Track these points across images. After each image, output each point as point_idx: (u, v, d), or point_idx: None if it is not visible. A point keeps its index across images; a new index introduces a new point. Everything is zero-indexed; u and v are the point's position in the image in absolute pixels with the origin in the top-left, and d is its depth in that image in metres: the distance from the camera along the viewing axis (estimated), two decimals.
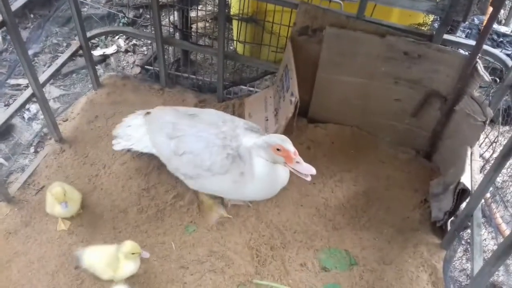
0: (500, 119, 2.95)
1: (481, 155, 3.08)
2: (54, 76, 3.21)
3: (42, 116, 3.35)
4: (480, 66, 2.68)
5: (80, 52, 3.39)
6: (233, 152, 2.42)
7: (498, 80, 2.95)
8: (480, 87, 3.30)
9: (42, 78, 2.98)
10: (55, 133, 3.13)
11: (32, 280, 2.44)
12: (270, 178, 2.42)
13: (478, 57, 2.69)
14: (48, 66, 3.75)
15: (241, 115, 3.41)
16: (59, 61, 3.21)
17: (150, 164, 3.05)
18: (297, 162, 2.19)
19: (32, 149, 3.26)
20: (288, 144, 2.19)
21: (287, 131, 3.15)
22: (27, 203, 2.80)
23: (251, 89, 3.71)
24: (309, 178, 2.17)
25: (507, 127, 3.48)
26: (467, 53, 2.83)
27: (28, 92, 2.90)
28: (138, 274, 2.50)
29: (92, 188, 2.90)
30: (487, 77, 2.66)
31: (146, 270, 2.53)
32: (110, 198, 2.85)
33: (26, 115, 3.56)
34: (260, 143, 2.31)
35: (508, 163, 2.61)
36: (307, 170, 2.17)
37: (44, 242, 2.61)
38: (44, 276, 2.46)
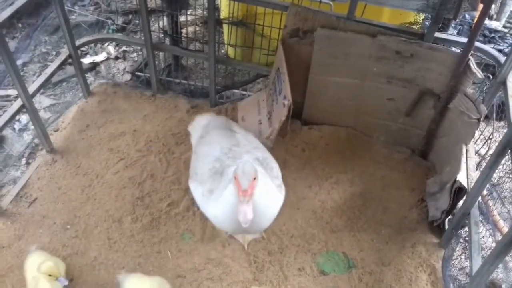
0: (495, 115, 2.94)
1: (476, 152, 3.07)
2: (43, 86, 3.16)
3: (33, 127, 3.31)
4: (473, 63, 2.68)
5: (70, 60, 3.36)
6: (219, 168, 2.32)
7: (491, 77, 2.94)
8: (474, 83, 3.30)
9: (31, 88, 2.94)
10: (47, 144, 3.09)
11: None
12: (233, 209, 2.09)
13: (470, 54, 2.68)
14: (38, 76, 3.71)
15: (234, 119, 3.39)
16: (48, 70, 3.17)
17: (144, 173, 3.02)
18: (241, 200, 1.96)
19: (23, 161, 3.22)
20: (244, 179, 1.97)
21: (281, 134, 3.15)
22: (20, 216, 2.76)
23: (243, 92, 3.69)
24: (243, 225, 1.94)
25: (501, 123, 3.47)
26: (459, 50, 2.82)
27: (17, 104, 2.86)
28: None
29: (86, 198, 2.86)
30: (480, 74, 2.65)
31: None
32: (104, 208, 2.81)
33: (17, 126, 3.51)
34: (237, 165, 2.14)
35: (503, 159, 2.60)
36: (243, 213, 1.93)
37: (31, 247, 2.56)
38: None
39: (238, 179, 1.99)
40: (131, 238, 2.69)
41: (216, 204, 2.23)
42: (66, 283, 2.30)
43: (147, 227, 2.74)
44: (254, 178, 2.00)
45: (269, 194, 2.22)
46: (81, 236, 2.68)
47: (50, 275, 2.24)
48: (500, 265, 2.68)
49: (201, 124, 2.85)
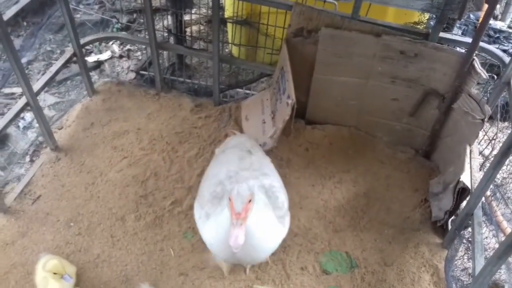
0: (499, 115, 2.93)
1: (480, 152, 3.06)
2: (48, 84, 3.18)
3: (37, 125, 3.32)
4: (477, 64, 2.67)
5: (74, 59, 3.37)
6: (220, 192, 2.21)
7: (495, 77, 2.93)
8: (478, 83, 3.29)
9: (36, 86, 2.96)
10: (51, 142, 3.10)
11: None
12: (226, 234, 1.97)
13: (475, 54, 2.67)
14: (42, 74, 3.72)
15: (238, 119, 3.40)
16: (53, 68, 3.18)
17: (147, 171, 3.02)
18: (233, 223, 1.86)
19: (27, 158, 3.23)
20: (238, 201, 1.88)
21: (285, 133, 3.14)
22: (23, 213, 2.77)
23: (247, 92, 3.69)
24: (234, 250, 1.84)
25: (506, 123, 3.46)
26: (463, 50, 2.81)
27: (22, 101, 2.87)
28: (135, 281, 2.47)
29: (89, 196, 2.87)
30: (484, 74, 2.64)
31: (145, 279, 2.50)
32: (107, 206, 2.82)
33: (21, 124, 3.52)
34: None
35: (507, 160, 2.59)
36: (234, 237, 1.82)
37: (41, 252, 2.57)
38: None
39: (232, 201, 1.89)
40: (134, 236, 2.69)
41: (210, 228, 2.15)
42: (71, 281, 2.31)
43: (150, 225, 2.75)
44: (250, 201, 1.90)
45: (267, 225, 2.09)
46: (84, 233, 2.69)
47: (55, 273, 2.25)
48: (503, 266, 2.67)
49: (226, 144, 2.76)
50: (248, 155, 2.48)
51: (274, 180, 2.37)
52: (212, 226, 2.13)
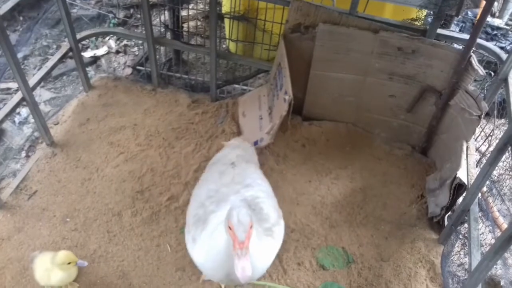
0: (496, 112, 2.94)
1: (477, 149, 3.07)
2: (44, 79, 3.16)
3: (33, 120, 3.30)
4: (475, 60, 2.67)
5: (70, 54, 3.35)
6: (202, 215, 2.10)
7: (492, 74, 2.93)
8: (475, 80, 3.29)
9: (32, 81, 2.94)
10: (47, 137, 3.09)
11: (26, 287, 2.39)
12: (221, 259, 1.91)
13: (472, 51, 2.67)
14: (38, 69, 3.70)
15: (235, 114, 3.39)
16: (49, 64, 3.17)
17: (144, 167, 3.02)
18: (238, 254, 1.71)
19: (23, 154, 3.21)
20: (240, 230, 1.72)
21: (282, 129, 3.14)
22: (19, 209, 2.76)
23: (244, 87, 3.68)
24: (242, 281, 1.71)
25: (502, 120, 3.47)
26: (461, 47, 2.81)
27: (18, 96, 2.86)
28: (132, 277, 2.46)
29: (85, 192, 2.86)
30: (481, 71, 2.64)
31: (142, 274, 2.49)
32: (104, 201, 2.81)
33: (17, 119, 3.50)
34: (228, 211, 1.87)
35: (504, 157, 2.60)
36: (241, 269, 1.68)
37: (37, 247, 2.57)
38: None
39: (234, 230, 1.73)
40: (130, 231, 2.69)
41: (199, 252, 2.04)
42: (85, 264, 2.30)
43: (147, 221, 2.74)
44: (251, 227, 1.75)
45: (255, 243, 1.89)
46: (80, 229, 2.68)
47: (69, 263, 2.24)
48: (500, 262, 2.68)
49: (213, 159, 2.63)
50: (230, 168, 2.34)
51: (257, 190, 2.20)
52: (201, 251, 2.03)
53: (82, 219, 2.72)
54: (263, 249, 1.97)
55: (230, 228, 1.75)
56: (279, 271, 2.54)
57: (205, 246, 2.00)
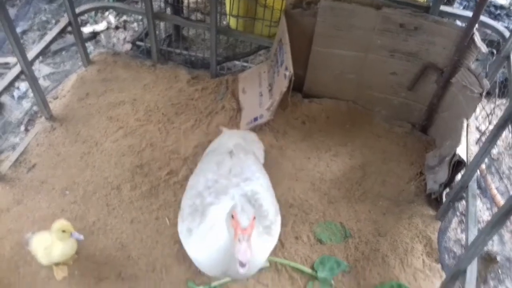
0: (497, 90, 2.92)
1: (477, 128, 3.06)
2: (43, 53, 3.14)
3: (32, 94, 3.29)
4: (477, 37, 2.65)
5: (69, 29, 3.32)
6: (199, 206, 2.09)
7: (495, 52, 2.91)
8: (477, 60, 3.27)
9: (30, 55, 2.92)
10: (46, 111, 3.08)
11: (25, 257, 2.41)
12: (218, 255, 1.92)
13: (475, 28, 2.65)
14: (37, 44, 3.67)
15: (234, 91, 3.37)
16: (48, 37, 3.14)
17: (143, 142, 3.01)
18: (239, 240, 1.71)
19: (22, 128, 3.20)
20: (244, 217, 1.74)
21: (282, 106, 3.13)
22: (19, 181, 2.76)
23: (245, 64, 3.65)
24: (241, 270, 1.69)
25: (503, 100, 3.46)
26: (464, 24, 2.78)
27: (16, 69, 2.84)
28: (131, 249, 2.48)
29: (85, 165, 2.87)
30: (484, 48, 2.62)
31: (141, 246, 2.51)
32: (103, 175, 2.82)
33: (16, 93, 3.49)
34: (231, 206, 1.86)
35: (503, 135, 2.60)
36: (242, 253, 1.67)
37: (37, 219, 2.58)
38: None
39: (237, 217, 1.74)
40: (130, 205, 2.69)
41: (195, 245, 2.03)
42: (81, 237, 2.27)
43: (146, 195, 2.75)
44: (254, 218, 1.77)
45: (257, 241, 1.93)
46: (80, 201, 2.68)
47: (64, 231, 2.22)
48: (497, 239, 2.71)
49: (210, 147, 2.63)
50: (228, 158, 2.31)
51: (256, 184, 2.18)
52: (197, 243, 2.01)
53: (81, 192, 2.73)
54: (260, 247, 1.98)
55: (233, 217, 1.75)
56: (277, 244, 2.54)
57: (202, 241, 1.99)
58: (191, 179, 2.37)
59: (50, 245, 2.26)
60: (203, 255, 2.00)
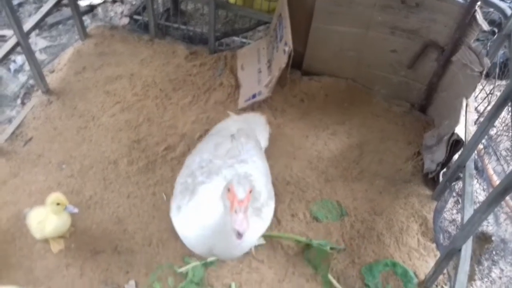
0: (497, 70, 2.90)
1: (475, 109, 3.05)
2: (39, 25, 3.09)
3: (28, 68, 3.25)
4: (479, 15, 2.61)
5: (66, 1, 3.26)
6: (191, 184, 2.07)
7: (496, 31, 2.87)
8: (477, 40, 3.23)
9: (26, 26, 2.89)
10: (42, 85, 3.05)
11: (22, 230, 2.41)
12: (206, 233, 1.92)
13: (477, 5, 2.60)
14: (33, 16, 3.61)
15: (233, 67, 3.34)
16: (44, 9, 3.09)
17: (140, 117, 3.00)
18: (236, 211, 1.68)
19: (19, 101, 3.17)
20: (240, 189, 1.71)
21: (280, 83, 3.10)
22: (15, 154, 2.75)
23: (243, 40, 3.61)
24: (239, 239, 1.68)
25: (503, 81, 3.43)
26: (466, 1, 2.74)
27: (12, 41, 2.80)
28: (127, 223, 2.49)
29: (81, 139, 2.85)
30: (485, 26, 2.59)
31: (137, 220, 2.52)
32: (100, 149, 2.81)
33: (12, 66, 3.44)
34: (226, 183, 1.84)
35: (502, 116, 2.58)
36: (239, 223, 1.65)
37: (33, 192, 2.58)
38: None
39: (234, 189, 1.71)
40: (126, 179, 2.69)
41: (183, 221, 2.02)
42: (76, 210, 2.27)
43: (143, 170, 2.74)
44: (250, 191, 1.74)
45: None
46: (76, 175, 2.68)
47: (58, 204, 2.23)
48: (492, 218, 2.72)
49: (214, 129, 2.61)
50: (228, 141, 2.28)
51: (251, 167, 2.14)
52: (185, 220, 2.01)
53: (78, 166, 2.72)
54: (251, 228, 1.90)
55: (229, 190, 1.73)
56: (273, 221, 2.55)
57: (190, 217, 1.99)
58: (188, 158, 2.37)
59: (43, 220, 2.26)
60: (190, 232, 1.99)
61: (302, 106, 3.18)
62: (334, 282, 2.36)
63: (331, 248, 2.44)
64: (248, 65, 3.30)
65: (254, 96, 3.06)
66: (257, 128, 2.63)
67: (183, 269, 2.35)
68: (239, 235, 1.67)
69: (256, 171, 2.16)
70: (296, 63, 3.17)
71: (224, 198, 1.79)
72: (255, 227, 2.01)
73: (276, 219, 2.57)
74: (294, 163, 2.88)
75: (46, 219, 2.27)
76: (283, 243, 2.49)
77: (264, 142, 2.63)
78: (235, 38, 3.62)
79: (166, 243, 2.45)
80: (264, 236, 2.47)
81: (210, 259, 2.39)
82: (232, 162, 2.15)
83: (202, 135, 2.87)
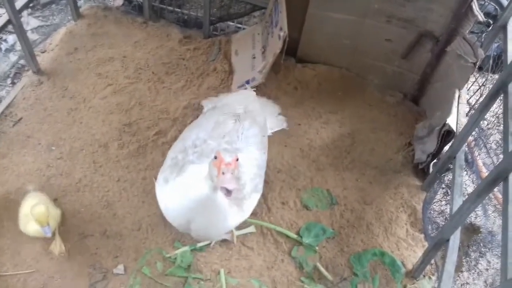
0: (491, 61, 2.89)
1: (467, 101, 3.05)
2: (31, 2, 3.03)
3: (19, 48, 3.20)
4: (475, 5, 2.60)
5: None
6: (181, 161, 2.06)
7: (491, 22, 2.86)
8: (472, 32, 3.22)
9: (19, 4, 2.84)
10: (33, 65, 3.01)
11: (9, 211, 2.39)
12: (183, 203, 1.93)
13: None
14: None
15: (227, 53, 3.31)
16: None
17: (132, 100, 2.97)
18: (223, 173, 1.69)
19: (9, 81, 3.13)
20: (227, 155, 1.72)
21: (274, 70, 3.08)
22: (4, 135, 2.72)
23: (238, 25, 3.57)
24: (228, 196, 1.70)
25: (496, 76, 3.43)
26: None
27: (4, 19, 2.75)
28: (117, 207, 2.48)
29: (72, 121, 2.83)
30: (481, 16, 2.58)
31: (127, 204, 2.51)
32: (90, 132, 2.78)
33: (3, 46, 3.39)
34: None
35: (493, 108, 2.58)
36: (227, 181, 1.66)
37: (22, 174, 2.56)
38: None
39: (221, 155, 1.71)
40: (117, 163, 2.67)
41: (166, 193, 2.02)
42: (49, 234, 2.17)
43: (134, 154, 2.72)
44: (237, 159, 1.74)
45: (225, 203, 1.91)
46: (66, 158, 2.66)
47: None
48: (481, 211, 2.73)
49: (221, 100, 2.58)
50: (230, 121, 2.24)
51: (244, 158, 2.05)
52: (169, 192, 2.01)
53: (68, 148, 2.70)
54: (228, 214, 1.95)
55: (216, 157, 1.73)
56: (263, 208, 2.57)
57: (174, 192, 1.98)
58: (186, 129, 2.35)
59: (28, 218, 2.19)
60: (171, 202, 1.99)
61: (296, 94, 3.16)
62: (323, 270, 2.37)
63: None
64: (243, 51, 3.27)
65: (247, 82, 3.04)
66: (268, 109, 2.64)
67: (171, 254, 2.35)
68: (228, 192, 1.67)
69: (248, 163, 2.12)
70: (291, 50, 3.14)
71: (211, 168, 1.77)
72: (233, 215, 2.01)
73: (267, 207, 2.57)
74: (285, 150, 2.87)
75: (29, 219, 2.18)
76: (273, 231, 2.49)
77: (273, 127, 2.65)
78: (230, 23, 3.58)
79: (156, 228, 2.44)
80: (255, 224, 2.48)
81: (199, 244, 2.39)
82: (226, 148, 2.12)
83: (194, 120, 2.85)
